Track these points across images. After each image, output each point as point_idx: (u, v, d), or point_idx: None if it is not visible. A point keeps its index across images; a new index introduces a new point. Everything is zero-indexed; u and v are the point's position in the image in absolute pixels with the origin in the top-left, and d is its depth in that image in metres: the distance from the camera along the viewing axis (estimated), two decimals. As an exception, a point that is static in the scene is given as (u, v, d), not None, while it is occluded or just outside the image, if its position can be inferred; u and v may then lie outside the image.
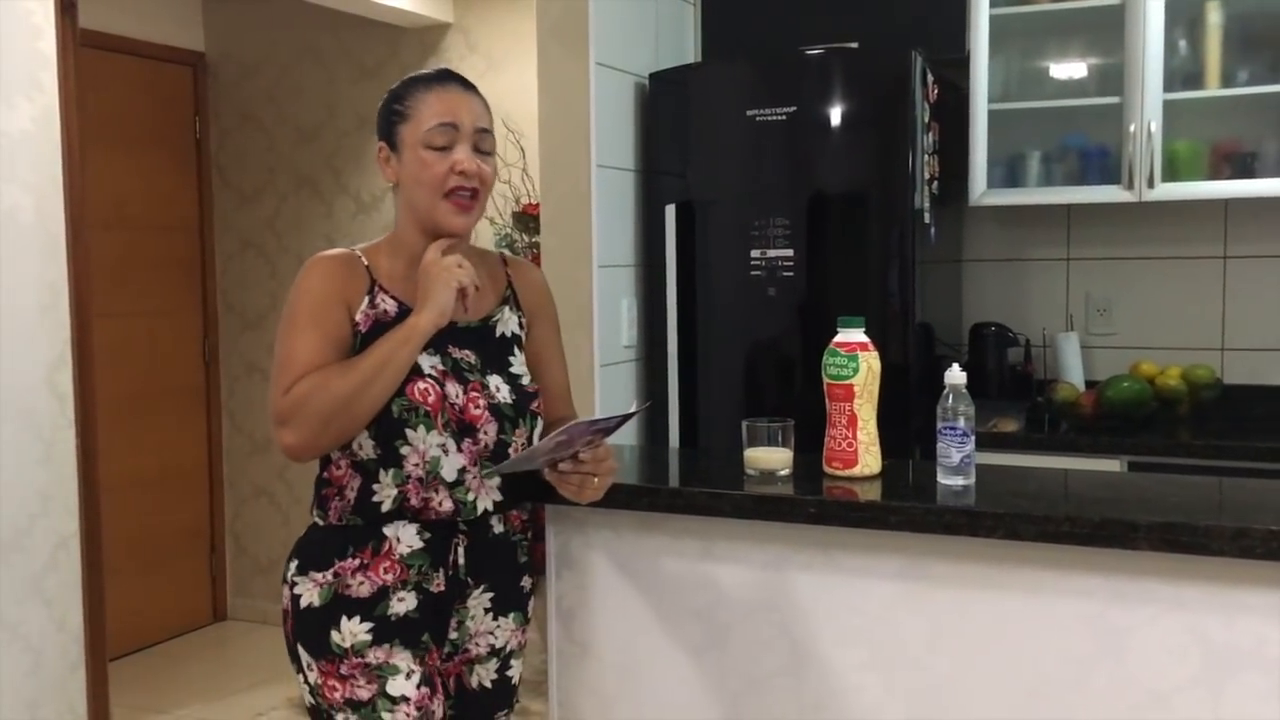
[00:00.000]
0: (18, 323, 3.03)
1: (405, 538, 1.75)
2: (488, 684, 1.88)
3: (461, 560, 1.79)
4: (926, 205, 2.87)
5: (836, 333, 1.91)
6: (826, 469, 1.92)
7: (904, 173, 2.79)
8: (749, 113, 2.90)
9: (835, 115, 2.88)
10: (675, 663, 1.96)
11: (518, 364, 1.86)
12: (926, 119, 2.85)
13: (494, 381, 1.80)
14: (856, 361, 1.87)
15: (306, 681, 1.78)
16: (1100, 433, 2.92)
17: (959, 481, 1.81)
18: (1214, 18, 2.97)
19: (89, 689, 3.22)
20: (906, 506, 1.75)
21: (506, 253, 2.05)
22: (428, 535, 1.76)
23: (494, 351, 1.84)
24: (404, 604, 1.75)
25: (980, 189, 3.11)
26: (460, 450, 1.75)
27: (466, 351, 1.80)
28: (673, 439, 3.00)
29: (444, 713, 1.82)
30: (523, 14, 3.89)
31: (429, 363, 1.74)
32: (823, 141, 2.90)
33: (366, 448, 1.73)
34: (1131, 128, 2.95)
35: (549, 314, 1.97)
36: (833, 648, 1.85)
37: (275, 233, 4.79)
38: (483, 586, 1.83)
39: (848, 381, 1.87)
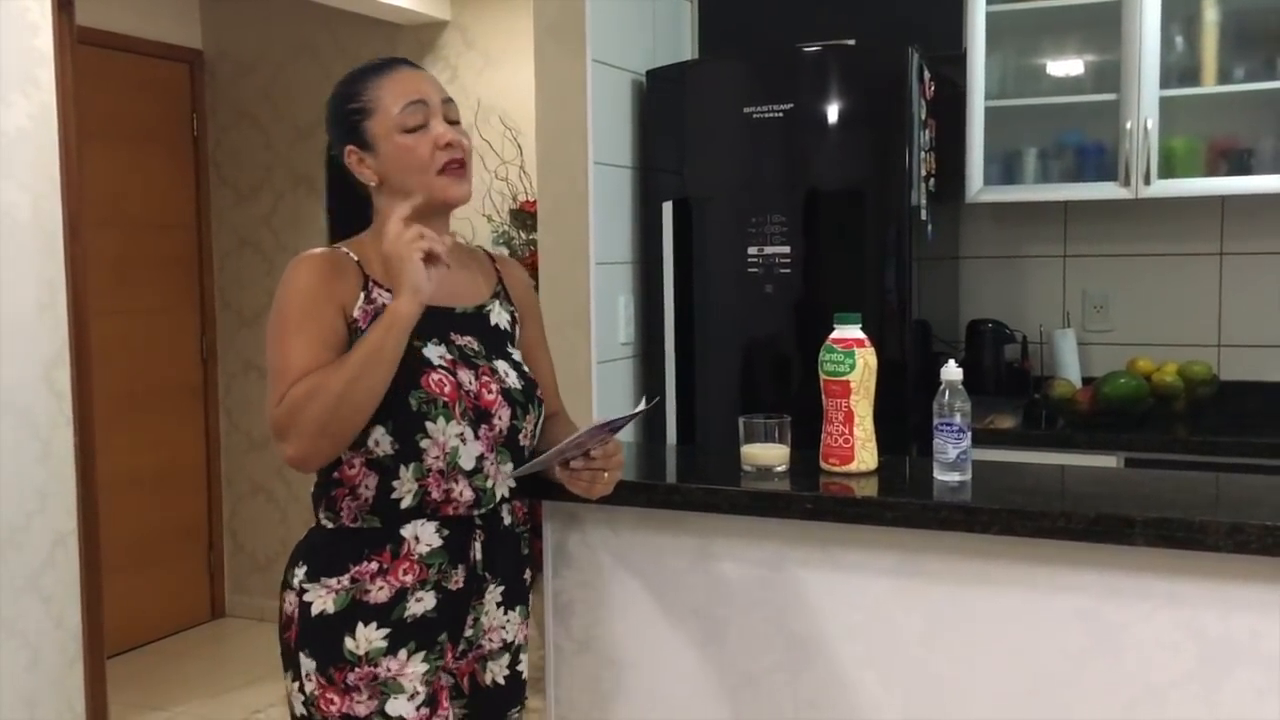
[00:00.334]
0: (15, 321, 3.03)
1: (424, 536, 1.71)
2: (500, 680, 1.86)
3: (479, 555, 1.77)
4: (923, 202, 2.87)
5: (833, 329, 1.91)
6: (823, 465, 1.93)
7: (901, 169, 2.79)
8: (746, 110, 2.90)
9: (832, 112, 2.88)
10: (673, 659, 1.96)
11: (515, 354, 1.86)
12: (923, 116, 2.85)
13: (502, 366, 1.79)
14: (853, 358, 1.87)
15: (301, 691, 1.72)
16: (1097, 429, 2.92)
17: (955, 477, 1.81)
18: (1210, 14, 2.97)
19: (87, 686, 3.22)
20: (903, 502, 1.75)
21: (493, 250, 2.05)
22: (446, 532, 1.73)
23: (493, 339, 1.83)
24: (421, 604, 1.72)
25: (977, 186, 3.11)
26: (478, 437, 1.72)
27: (469, 338, 1.78)
28: (670, 435, 3.00)
29: (453, 714, 1.80)
30: (520, 11, 3.88)
31: (436, 353, 1.71)
32: (819, 138, 2.90)
33: (384, 444, 1.67)
34: (1128, 124, 2.96)
35: (537, 312, 1.98)
36: (830, 643, 1.85)
37: (272, 230, 4.79)
38: (498, 579, 1.81)
39: (844, 378, 1.88)
